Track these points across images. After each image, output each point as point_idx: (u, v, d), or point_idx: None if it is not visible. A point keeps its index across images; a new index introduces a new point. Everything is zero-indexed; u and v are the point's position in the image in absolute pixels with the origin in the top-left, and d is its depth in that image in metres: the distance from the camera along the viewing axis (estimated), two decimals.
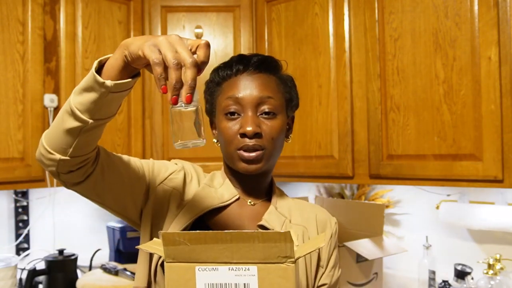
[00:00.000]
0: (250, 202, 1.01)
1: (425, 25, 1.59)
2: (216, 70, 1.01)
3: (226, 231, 0.70)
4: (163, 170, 0.98)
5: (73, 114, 0.76)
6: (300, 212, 1.02)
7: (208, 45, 0.73)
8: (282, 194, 1.06)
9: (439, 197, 1.91)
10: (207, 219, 0.95)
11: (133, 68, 0.76)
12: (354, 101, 1.77)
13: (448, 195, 1.90)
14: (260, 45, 2.03)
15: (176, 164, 1.01)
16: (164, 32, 2.05)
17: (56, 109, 1.80)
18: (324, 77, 1.84)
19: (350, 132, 1.77)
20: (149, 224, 0.94)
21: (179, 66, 0.69)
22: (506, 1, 1.44)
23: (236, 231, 0.70)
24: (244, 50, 2.05)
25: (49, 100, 1.77)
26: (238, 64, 0.97)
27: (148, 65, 0.74)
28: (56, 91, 1.81)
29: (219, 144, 1.01)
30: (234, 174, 1.02)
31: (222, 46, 2.05)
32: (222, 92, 0.98)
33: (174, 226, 0.92)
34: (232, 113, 0.94)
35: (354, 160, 1.77)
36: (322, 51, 1.85)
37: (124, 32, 2.01)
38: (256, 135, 0.92)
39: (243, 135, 0.92)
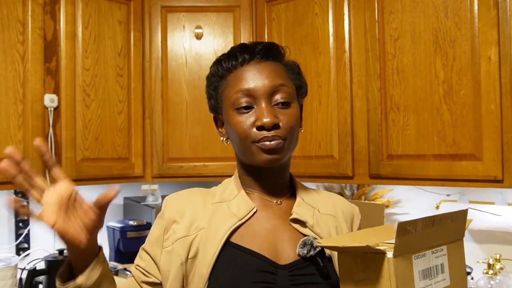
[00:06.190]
0: (276, 202, 0.95)
1: (425, 25, 1.59)
2: (218, 62, 0.93)
3: (434, 214, 0.73)
4: (155, 245, 0.91)
5: None
6: (325, 202, 0.98)
7: None
8: (303, 186, 1.01)
9: (439, 197, 1.91)
10: (231, 235, 0.88)
11: (90, 250, 0.77)
12: (354, 101, 1.77)
13: (448, 195, 1.90)
14: None
15: (162, 216, 0.94)
16: (164, 32, 2.05)
17: (56, 109, 1.80)
18: (324, 77, 1.84)
19: (350, 132, 1.77)
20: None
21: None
22: (506, 1, 1.44)
23: (439, 213, 0.74)
24: None
25: (49, 100, 1.77)
26: (243, 54, 0.90)
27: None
28: (56, 91, 1.81)
29: (228, 142, 0.95)
30: (253, 175, 0.95)
31: (222, 46, 2.05)
32: (229, 85, 0.91)
33: (202, 260, 0.86)
34: (246, 107, 0.87)
35: (354, 160, 1.77)
36: (322, 51, 1.85)
37: (124, 32, 2.01)
38: (275, 126, 0.86)
39: (261, 127, 0.86)
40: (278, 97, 0.88)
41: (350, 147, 1.77)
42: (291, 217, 0.91)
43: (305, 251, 0.86)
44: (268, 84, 0.88)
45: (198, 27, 2.05)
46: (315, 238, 0.88)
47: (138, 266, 0.92)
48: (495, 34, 1.44)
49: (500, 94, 1.44)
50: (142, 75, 2.05)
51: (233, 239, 0.88)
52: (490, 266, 1.66)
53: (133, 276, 0.93)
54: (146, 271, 0.91)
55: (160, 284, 0.90)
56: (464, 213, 0.78)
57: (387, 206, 2.02)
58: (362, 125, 1.75)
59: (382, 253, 0.70)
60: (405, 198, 2.04)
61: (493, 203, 1.77)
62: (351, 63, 1.78)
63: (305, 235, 0.89)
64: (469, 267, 1.74)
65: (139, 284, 0.91)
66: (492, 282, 1.65)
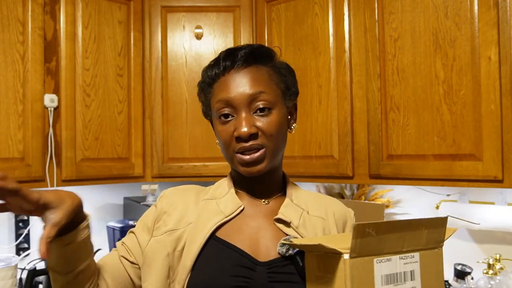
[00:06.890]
0: (264, 201, 0.97)
1: (425, 25, 1.59)
2: (206, 70, 0.96)
3: (403, 219, 0.73)
4: (144, 231, 0.95)
5: (55, 274, 0.86)
6: (317, 204, 0.98)
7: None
8: (296, 187, 1.02)
9: (439, 197, 1.91)
10: (217, 231, 0.91)
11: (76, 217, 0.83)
12: (354, 101, 1.77)
13: (448, 195, 1.90)
14: None
15: (155, 206, 0.99)
16: (164, 32, 2.06)
17: (56, 109, 1.80)
18: (324, 77, 1.84)
19: (350, 132, 1.77)
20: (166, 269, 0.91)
21: None
22: (506, 1, 1.44)
23: (409, 219, 0.73)
24: None
25: (49, 100, 1.77)
26: (225, 61, 0.92)
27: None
28: (56, 91, 1.81)
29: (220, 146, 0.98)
30: (242, 176, 0.96)
31: (222, 46, 2.05)
32: (214, 94, 0.93)
33: (187, 253, 0.89)
34: (226, 115, 0.90)
35: (354, 160, 1.77)
36: (322, 51, 1.85)
37: (124, 32, 2.01)
38: (252, 136, 0.88)
39: (238, 138, 0.88)
40: (257, 104, 0.89)
41: (350, 147, 1.77)
42: (276, 217, 0.93)
43: (284, 250, 0.87)
44: (246, 93, 0.89)
45: (198, 27, 2.05)
46: (296, 238, 0.89)
47: (124, 243, 0.96)
48: (495, 34, 1.44)
49: (500, 94, 1.44)
50: (142, 75, 2.05)
51: (218, 234, 0.91)
52: (490, 266, 1.66)
53: (117, 250, 0.97)
54: (129, 249, 0.95)
55: (138, 266, 0.94)
56: (442, 221, 0.77)
57: (387, 206, 2.02)
58: (362, 125, 1.75)
59: (339, 254, 0.70)
60: (405, 198, 2.04)
61: (493, 203, 1.77)
62: (351, 63, 1.78)
63: (288, 235, 0.91)
64: (469, 267, 1.74)
65: (119, 258, 0.95)
66: (492, 282, 1.65)
